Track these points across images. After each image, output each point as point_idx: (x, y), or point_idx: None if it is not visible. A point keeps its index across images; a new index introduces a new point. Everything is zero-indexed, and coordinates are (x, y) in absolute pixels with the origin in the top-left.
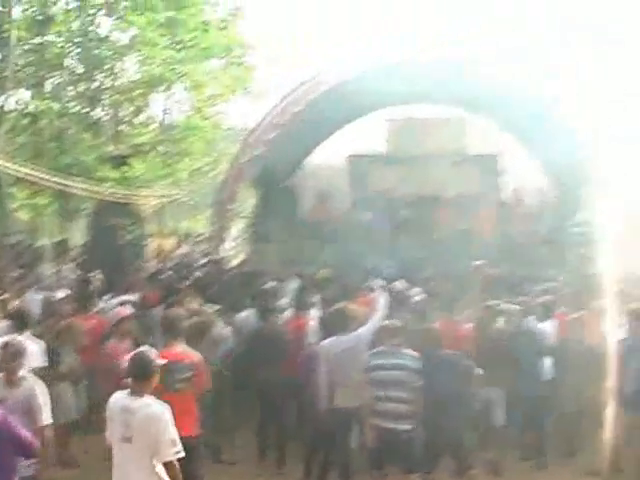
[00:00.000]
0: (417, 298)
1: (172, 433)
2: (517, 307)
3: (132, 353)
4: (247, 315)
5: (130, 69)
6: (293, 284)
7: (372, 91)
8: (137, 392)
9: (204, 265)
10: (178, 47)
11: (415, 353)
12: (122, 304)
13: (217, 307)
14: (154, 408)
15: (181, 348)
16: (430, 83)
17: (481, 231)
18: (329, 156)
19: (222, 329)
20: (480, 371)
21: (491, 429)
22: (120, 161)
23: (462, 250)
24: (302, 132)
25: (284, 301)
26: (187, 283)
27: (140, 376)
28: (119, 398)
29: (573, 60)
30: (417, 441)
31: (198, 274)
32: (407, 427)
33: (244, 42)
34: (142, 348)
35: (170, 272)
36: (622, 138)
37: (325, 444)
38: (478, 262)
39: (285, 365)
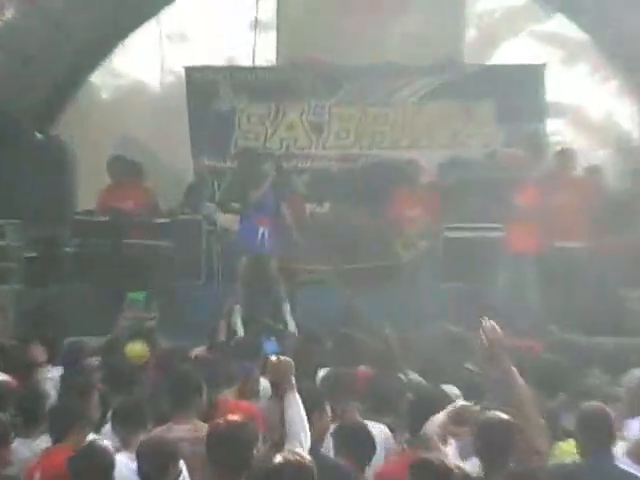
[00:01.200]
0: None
1: None
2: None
3: None
4: None
5: None
6: (55, 374)
7: None
8: None
9: None
10: None
11: None
12: None
13: None
14: None
15: None
16: None
17: (516, 242)
18: (144, 70)
19: None
20: None
21: None
22: None
23: (460, 294)
24: (74, 12)
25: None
26: None
27: None
28: None
29: None
30: None
31: None
32: None
33: None
34: None
35: None
36: None
37: None
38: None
39: None
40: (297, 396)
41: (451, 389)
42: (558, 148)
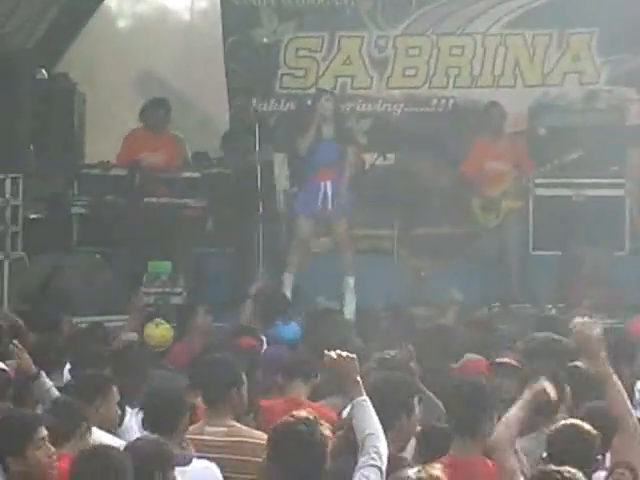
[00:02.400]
0: None
1: None
2: None
3: None
4: None
5: None
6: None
7: None
8: None
9: None
10: None
11: None
12: None
13: None
14: None
15: None
16: None
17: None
18: None
19: None
20: None
21: None
22: None
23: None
24: None
25: None
26: None
27: None
28: None
29: None
30: None
31: None
32: None
33: None
34: None
35: None
36: None
37: None
38: None
39: None
40: (367, 400)
41: None
42: None
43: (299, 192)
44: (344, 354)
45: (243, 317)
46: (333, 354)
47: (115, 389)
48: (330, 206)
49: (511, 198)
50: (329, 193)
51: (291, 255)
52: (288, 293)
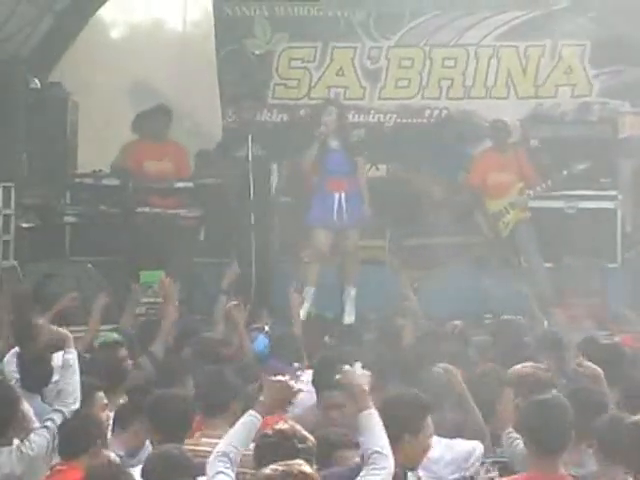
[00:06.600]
0: None
1: None
2: None
3: None
4: None
5: None
6: None
7: None
8: None
9: None
10: None
11: None
12: None
13: None
14: None
15: None
16: None
17: None
18: (164, 4)
19: None
20: None
21: None
22: None
23: None
24: None
25: None
26: None
27: None
28: None
29: None
30: None
31: None
32: None
33: None
34: None
35: None
36: None
37: None
38: None
39: None
40: (374, 412)
41: None
42: None
43: (312, 205)
44: (360, 371)
45: (216, 313)
46: (349, 370)
47: (100, 395)
48: (345, 217)
49: (518, 209)
50: (343, 204)
51: (308, 269)
52: (307, 308)
